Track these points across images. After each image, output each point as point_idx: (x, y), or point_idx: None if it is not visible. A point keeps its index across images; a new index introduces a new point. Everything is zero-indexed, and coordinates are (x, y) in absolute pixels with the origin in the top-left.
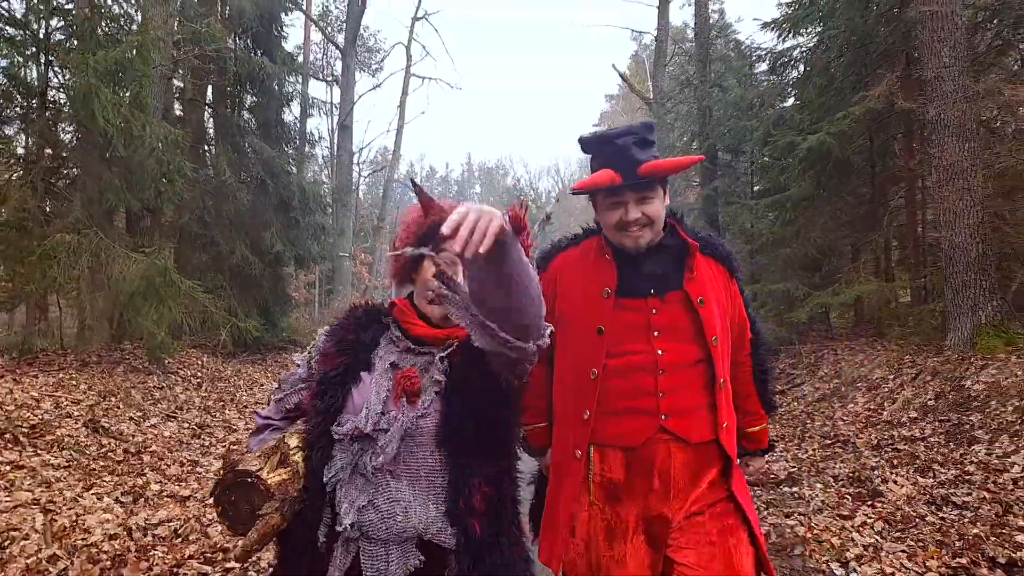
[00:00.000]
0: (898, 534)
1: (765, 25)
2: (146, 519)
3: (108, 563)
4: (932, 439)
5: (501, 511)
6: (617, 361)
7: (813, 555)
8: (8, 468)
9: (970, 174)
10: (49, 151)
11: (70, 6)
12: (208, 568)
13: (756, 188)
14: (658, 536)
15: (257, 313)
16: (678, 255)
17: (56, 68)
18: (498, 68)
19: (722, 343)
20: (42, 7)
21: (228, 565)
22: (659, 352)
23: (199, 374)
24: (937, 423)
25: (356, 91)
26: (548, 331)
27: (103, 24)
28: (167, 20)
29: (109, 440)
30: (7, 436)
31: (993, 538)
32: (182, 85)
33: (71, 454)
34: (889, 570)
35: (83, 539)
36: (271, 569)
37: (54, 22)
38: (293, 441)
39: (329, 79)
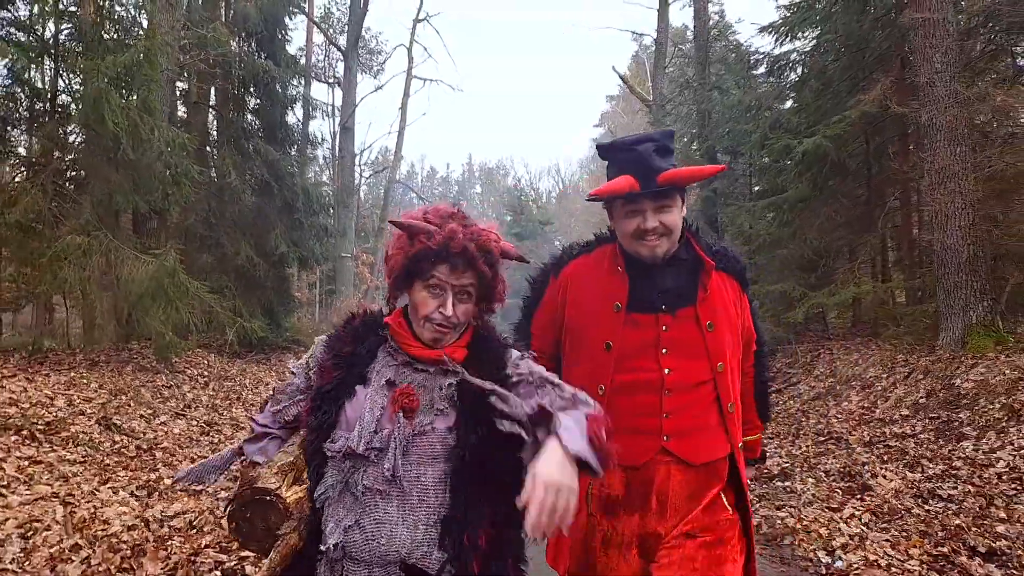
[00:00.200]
0: (884, 525)
1: (763, 29)
2: (162, 511)
3: (128, 552)
4: (922, 435)
5: (504, 550)
6: (624, 377)
7: (801, 544)
8: (27, 463)
9: (961, 177)
10: (58, 154)
11: (73, 8)
12: (224, 556)
13: (756, 189)
14: (651, 551)
15: (261, 313)
16: (692, 269)
17: (64, 72)
18: (499, 69)
19: (729, 367)
20: (48, 9)
21: (244, 554)
22: (666, 371)
23: (206, 373)
24: (927, 420)
25: (358, 93)
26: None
27: (109, 28)
28: (174, 26)
29: (121, 437)
30: (24, 432)
31: (975, 528)
32: (186, 87)
33: (86, 450)
34: (872, 557)
35: (103, 530)
36: None
37: (62, 26)
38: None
39: (331, 81)
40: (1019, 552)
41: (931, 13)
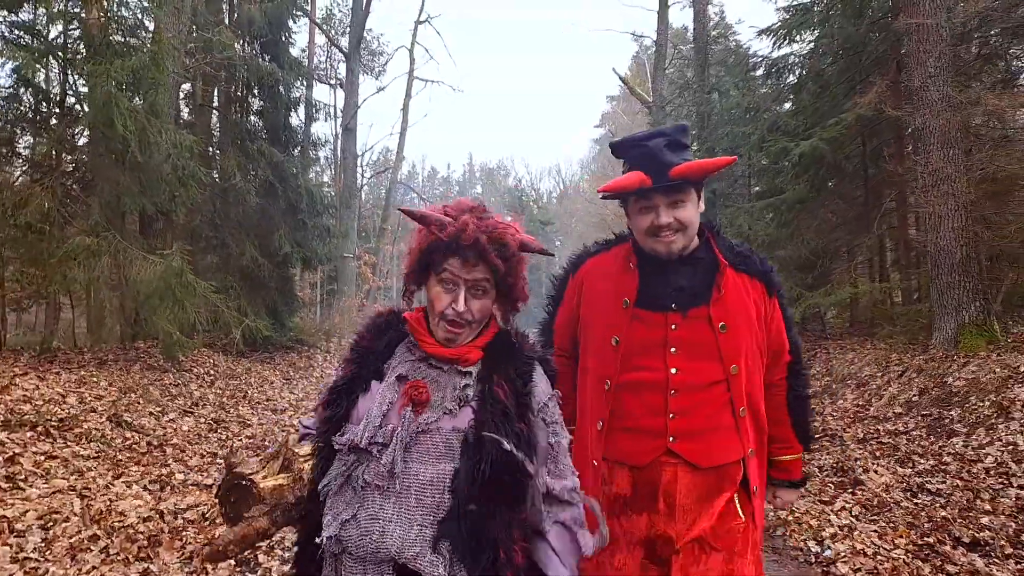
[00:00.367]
0: (873, 517)
1: (761, 32)
2: (175, 504)
3: (144, 542)
4: (914, 432)
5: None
6: (630, 375)
7: (793, 535)
8: (43, 458)
9: (954, 180)
10: (67, 156)
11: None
12: None
13: (755, 190)
14: (661, 554)
15: (266, 313)
16: (709, 268)
17: (71, 75)
18: (499, 69)
19: (745, 370)
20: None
21: (257, 543)
22: (672, 371)
23: (212, 372)
24: (920, 417)
25: (360, 94)
26: None
27: (115, 31)
28: (180, 29)
29: (132, 433)
30: (39, 429)
31: (960, 520)
32: (191, 89)
33: (99, 446)
34: (860, 547)
35: (119, 521)
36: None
37: (68, 29)
38: (306, 448)
39: (333, 83)
40: (1002, 542)
41: (925, 18)
